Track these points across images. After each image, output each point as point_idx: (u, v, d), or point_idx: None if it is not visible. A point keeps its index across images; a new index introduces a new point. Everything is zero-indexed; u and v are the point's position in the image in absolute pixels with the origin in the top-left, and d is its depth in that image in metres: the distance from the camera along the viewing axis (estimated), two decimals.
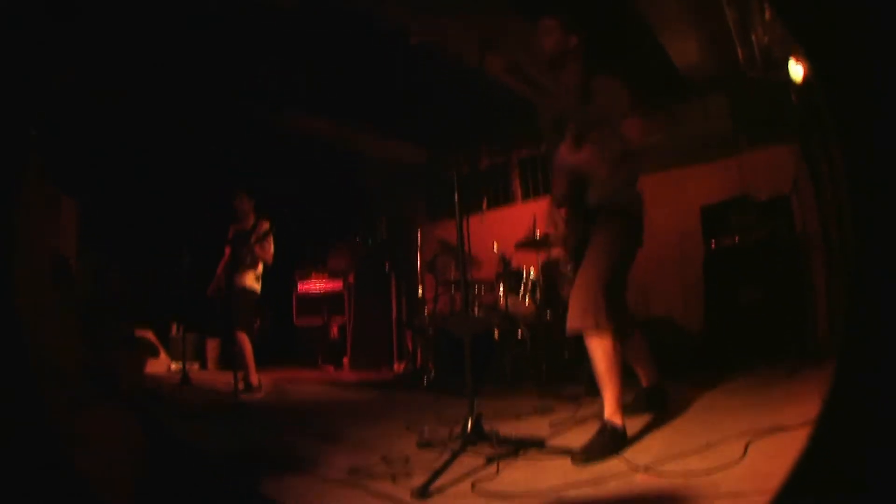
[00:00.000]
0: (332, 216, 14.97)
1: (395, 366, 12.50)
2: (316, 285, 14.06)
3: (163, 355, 12.02)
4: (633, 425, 4.80)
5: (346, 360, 13.51)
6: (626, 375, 4.61)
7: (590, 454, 4.15)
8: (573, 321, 4.58)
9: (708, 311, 8.44)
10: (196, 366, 12.83)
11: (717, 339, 8.13)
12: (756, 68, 8.48)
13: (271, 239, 9.34)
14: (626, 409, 4.61)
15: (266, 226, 9.36)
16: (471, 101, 6.49)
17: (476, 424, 4.37)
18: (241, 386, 8.65)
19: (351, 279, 13.94)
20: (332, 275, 14.07)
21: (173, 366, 11.89)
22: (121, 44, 8.09)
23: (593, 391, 5.14)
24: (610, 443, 4.29)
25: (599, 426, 4.42)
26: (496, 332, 8.32)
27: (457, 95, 7.09)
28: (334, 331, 13.80)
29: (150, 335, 11.90)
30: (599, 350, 4.51)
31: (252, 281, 9.26)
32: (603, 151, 4.85)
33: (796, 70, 6.90)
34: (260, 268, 9.36)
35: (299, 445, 5.19)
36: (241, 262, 9.22)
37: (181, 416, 7.03)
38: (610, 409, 4.44)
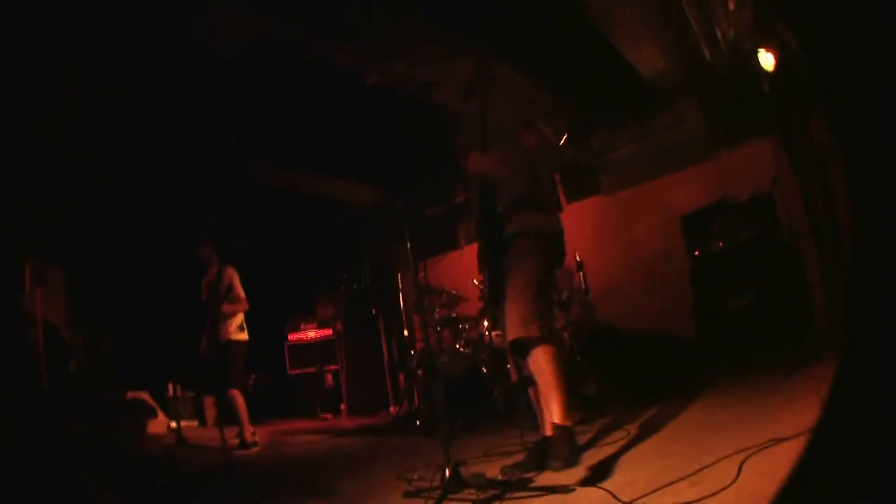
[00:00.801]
0: (316, 266, 15.00)
1: (392, 409, 12.34)
2: (306, 335, 13.95)
3: (161, 416, 11.81)
4: (625, 455, 4.74)
5: (343, 407, 13.50)
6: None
7: (569, 459, 4.35)
8: (514, 331, 4.72)
9: (699, 320, 8.38)
10: (195, 423, 12.72)
11: (709, 347, 8.05)
12: (724, 65, 8.45)
13: (237, 284, 9.17)
14: (518, 466, 4.71)
15: (228, 274, 9.23)
16: (436, 137, 6.51)
17: (454, 472, 4.24)
18: (234, 442, 8.61)
19: (339, 326, 13.92)
20: (322, 323, 13.98)
21: (172, 425, 11.53)
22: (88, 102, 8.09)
23: (590, 417, 5.15)
24: (575, 445, 4.59)
25: (558, 433, 4.53)
26: (483, 368, 8.24)
27: (422, 133, 7.11)
28: (329, 379, 13.76)
29: (145, 396, 11.71)
30: (544, 357, 4.63)
31: (236, 332, 9.04)
32: (504, 155, 5.04)
33: (766, 59, 6.82)
34: (240, 316, 9.13)
35: (288, 503, 5.11)
36: (218, 316, 9.02)
37: (173, 479, 6.83)
38: (559, 414, 4.56)
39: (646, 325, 9.31)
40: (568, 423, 4.55)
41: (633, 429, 5.64)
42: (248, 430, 8.79)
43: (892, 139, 1.79)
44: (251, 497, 5.75)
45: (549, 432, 4.70)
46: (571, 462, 4.29)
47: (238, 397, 8.81)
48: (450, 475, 4.24)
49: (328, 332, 13.88)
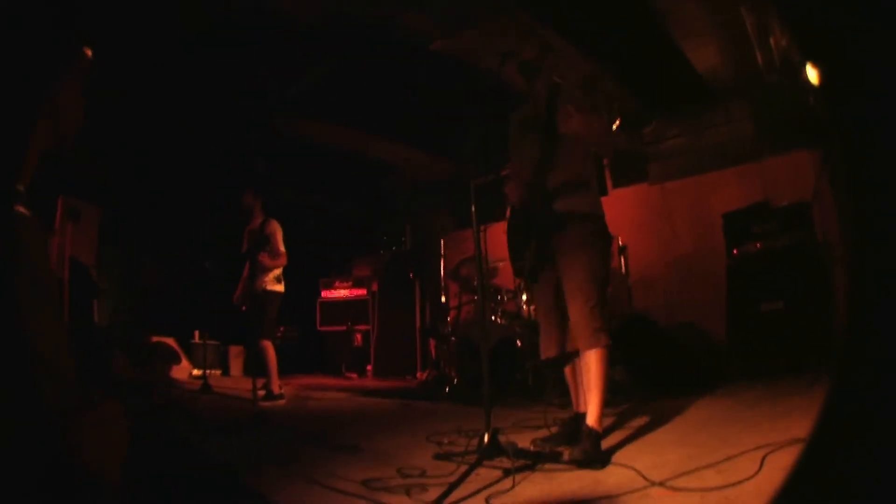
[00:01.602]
0: (357, 225, 15.07)
1: (419, 374, 12.42)
2: (340, 293, 14.17)
3: (185, 362, 11.97)
4: (651, 438, 4.91)
5: (369, 368, 13.64)
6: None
7: (587, 459, 4.29)
8: (587, 341, 4.73)
9: (731, 319, 8.33)
10: (219, 372, 12.89)
11: (739, 347, 8.04)
12: (775, 72, 8.47)
13: (279, 239, 9.16)
14: (549, 439, 4.92)
15: (272, 226, 9.25)
16: (493, 109, 6.51)
17: (492, 438, 4.33)
18: (261, 393, 8.58)
19: (375, 287, 14.07)
20: (357, 283, 14.21)
21: (195, 372, 11.80)
22: (149, 50, 8.20)
23: (615, 401, 5.16)
24: (599, 448, 4.49)
25: (587, 432, 4.53)
26: (518, 342, 8.27)
27: (480, 104, 7.12)
28: (358, 339, 13.94)
29: (171, 342, 11.87)
30: (599, 363, 4.68)
31: (272, 282, 9.12)
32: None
33: (813, 73, 6.73)
34: (280, 268, 9.20)
35: (315, 456, 5.15)
36: (256, 266, 9.09)
37: (197, 424, 7.01)
38: (594, 418, 4.58)
39: (678, 317, 9.31)
40: (599, 429, 4.58)
41: (658, 416, 5.72)
42: (276, 382, 8.86)
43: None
44: (278, 448, 5.78)
45: (584, 420, 4.73)
46: (588, 462, 4.29)
47: (269, 348, 8.86)
48: (488, 440, 4.31)
49: (362, 291, 14.10)
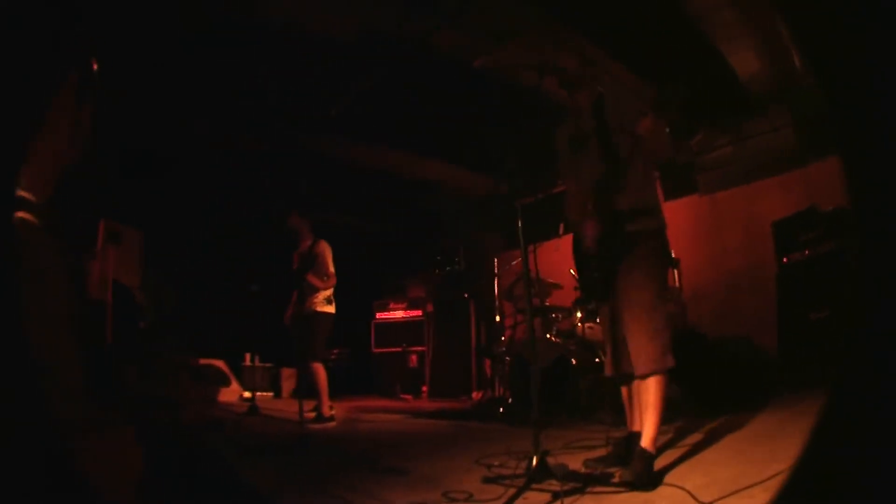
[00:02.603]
0: (411, 246, 15.06)
1: (474, 394, 12.40)
2: (394, 314, 14.19)
3: (234, 384, 12.06)
4: (702, 457, 4.88)
5: (424, 389, 13.62)
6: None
7: (639, 481, 4.22)
8: (655, 363, 4.64)
9: (781, 330, 8.18)
10: (270, 395, 12.99)
11: (790, 358, 7.87)
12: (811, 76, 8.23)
13: (328, 260, 9.18)
14: (601, 460, 4.85)
15: (321, 247, 9.26)
16: (537, 126, 6.42)
17: (541, 461, 4.30)
18: (310, 416, 8.69)
19: (430, 308, 14.09)
20: (411, 304, 14.22)
21: (245, 394, 11.83)
22: (189, 73, 8.34)
23: (667, 418, 5.06)
24: (651, 469, 4.42)
25: (640, 454, 4.48)
26: (573, 360, 8.15)
27: (525, 122, 7.06)
28: (413, 360, 13.90)
29: (221, 364, 12.01)
30: (659, 386, 4.64)
31: (323, 304, 9.12)
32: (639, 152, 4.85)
33: None
34: (330, 290, 9.20)
35: (361, 479, 5.07)
36: (306, 287, 9.12)
37: (240, 447, 6.97)
38: (649, 440, 4.55)
39: (729, 330, 9.03)
40: (653, 451, 4.53)
41: (709, 432, 5.69)
42: (326, 403, 8.81)
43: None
44: (320, 471, 5.73)
45: (638, 441, 4.66)
46: (640, 484, 4.21)
47: (320, 370, 8.84)
48: (537, 464, 4.29)
49: (417, 312, 14.12)
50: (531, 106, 6.87)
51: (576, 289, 7.25)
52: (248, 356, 12.94)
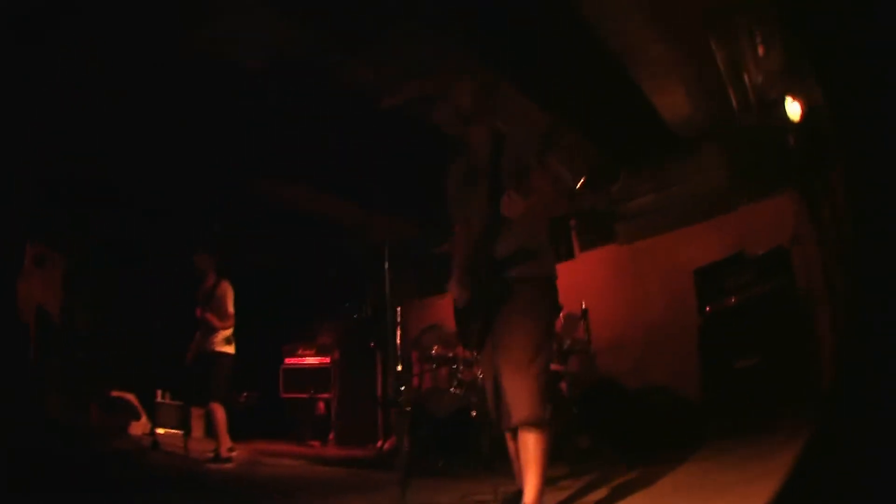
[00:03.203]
0: (321, 291, 14.68)
1: (380, 443, 11.83)
2: (303, 360, 13.70)
3: (144, 419, 11.55)
4: None
5: (331, 437, 13.17)
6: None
7: None
8: (523, 412, 4.17)
9: (704, 379, 7.85)
10: (181, 433, 12.25)
11: (714, 408, 7.54)
12: (751, 113, 7.98)
13: (228, 300, 8.85)
14: None
15: (223, 288, 8.93)
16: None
17: None
18: (210, 455, 8.34)
19: (336, 355, 13.63)
20: (320, 350, 13.72)
21: (159, 431, 11.00)
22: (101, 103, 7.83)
23: (576, 472, 4.73)
24: None
25: None
26: (473, 412, 7.78)
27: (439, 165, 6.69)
28: (321, 406, 13.43)
29: (131, 398, 11.53)
30: (537, 442, 4.17)
31: (221, 343, 8.72)
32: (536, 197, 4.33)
33: (793, 108, 6.55)
34: (229, 330, 8.82)
35: None
36: (205, 327, 8.76)
37: (136, 481, 6.59)
38: (534, 497, 4.11)
39: (649, 381, 8.58)
40: None
41: (624, 485, 5.29)
42: (225, 444, 8.41)
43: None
44: None
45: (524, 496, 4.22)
46: None
47: (218, 410, 8.47)
48: None
49: (326, 359, 13.61)
50: (443, 150, 6.50)
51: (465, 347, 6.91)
52: (159, 392, 12.26)
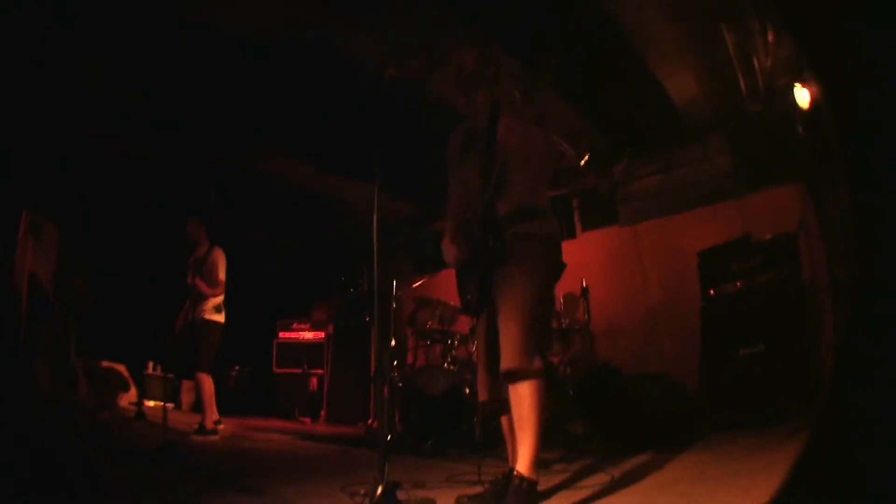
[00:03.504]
0: (317, 266, 14.38)
1: (370, 421, 11.49)
2: (297, 335, 13.40)
3: (133, 391, 11.20)
4: (608, 501, 4.06)
5: (323, 413, 12.88)
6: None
7: None
8: (513, 359, 3.88)
9: (704, 366, 7.36)
10: (171, 406, 11.94)
11: (713, 397, 7.11)
12: (758, 100, 7.59)
13: (220, 267, 8.61)
14: (476, 499, 4.06)
15: (215, 254, 8.69)
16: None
17: (387, 493, 3.62)
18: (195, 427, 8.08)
19: (331, 330, 13.35)
20: (315, 326, 13.45)
21: (149, 403, 11.15)
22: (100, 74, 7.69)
23: (570, 458, 5.03)
24: (526, 502, 3.78)
25: (517, 484, 3.80)
26: (466, 389, 7.42)
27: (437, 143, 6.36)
28: (313, 382, 13.14)
29: (121, 369, 11.12)
30: (530, 393, 3.87)
31: (211, 311, 8.49)
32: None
33: (802, 96, 6.16)
34: (220, 297, 8.59)
35: (213, 496, 4.48)
36: (195, 294, 8.51)
37: (116, 451, 6.38)
38: (527, 462, 3.83)
39: (648, 366, 8.40)
40: (533, 478, 3.79)
41: (617, 474, 4.91)
42: (210, 416, 8.17)
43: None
44: (177, 482, 5.19)
45: (518, 463, 3.88)
46: None
47: (205, 380, 8.30)
48: (381, 495, 3.60)
49: (320, 335, 13.35)
50: (443, 128, 6.15)
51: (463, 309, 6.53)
52: (150, 364, 12.14)
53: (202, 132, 9.22)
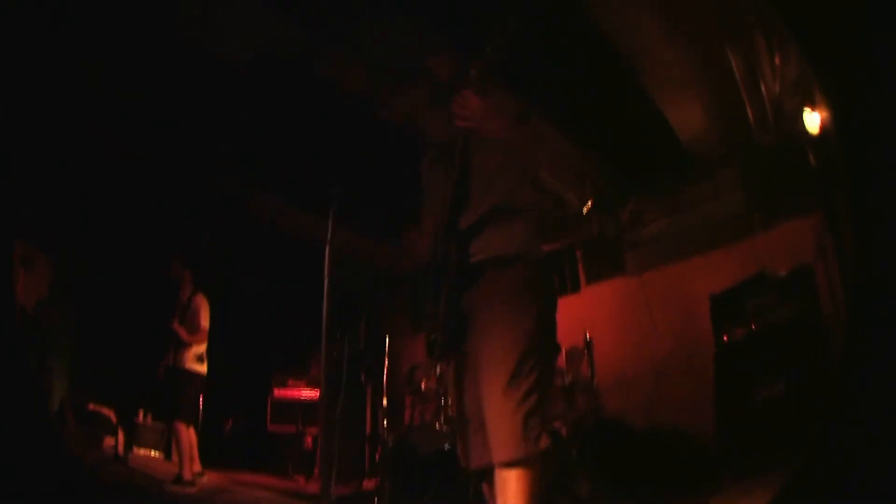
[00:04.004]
0: (313, 321, 13.98)
1: (366, 481, 10.94)
2: (292, 391, 12.96)
3: (121, 436, 10.45)
4: None
5: (316, 471, 11.98)
6: None
7: None
8: (518, 447, 2.90)
9: (720, 414, 6.76)
10: (159, 455, 11.59)
11: (730, 445, 6.44)
12: (767, 129, 7.20)
13: (202, 314, 8.22)
14: None
15: (198, 300, 8.32)
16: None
17: None
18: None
19: None
20: (311, 382, 12.96)
21: (140, 452, 10.89)
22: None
23: None
24: None
25: None
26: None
27: None
28: (308, 441, 12.58)
29: (108, 413, 10.75)
30: (528, 482, 2.91)
31: (192, 361, 8.09)
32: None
33: (812, 120, 6.08)
34: (202, 346, 8.20)
35: None
36: (175, 340, 8.12)
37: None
38: None
39: (658, 419, 7.85)
40: None
41: None
42: (189, 467, 7.71)
43: None
44: None
45: None
46: None
47: (182, 430, 7.94)
48: None
49: (316, 392, 12.74)
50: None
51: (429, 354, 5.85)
52: (141, 412, 11.61)
53: (203, 171, 8.92)
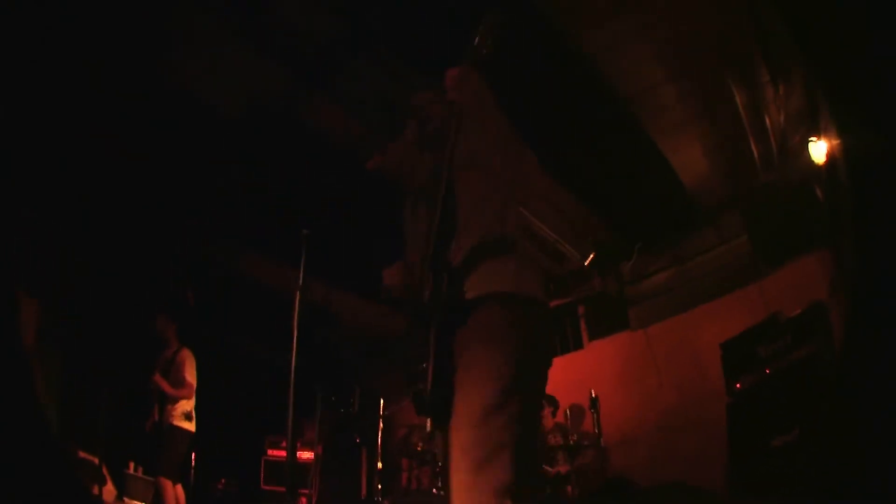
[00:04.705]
0: (310, 383, 13.62)
1: None
2: (285, 453, 12.35)
3: (111, 487, 10.15)
4: None
5: None
6: None
7: None
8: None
9: (733, 465, 6.42)
10: None
11: (745, 496, 6.08)
12: (772, 166, 6.99)
13: (186, 368, 8.05)
14: None
15: (182, 355, 8.17)
16: None
17: None
18: None
19: (320, 451, 12.32)
20: (305, 444, 12.55)
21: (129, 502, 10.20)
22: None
23: None
24: None
25: None
26: None
27: None
28: (302, 502, 12.06)
29: (97, 462, 9.91)
30: None
31: (180, 418, 7.98)
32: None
33: (818, 150, 5.87)
34: (190, 403, 8.07)
35: None
36: (161, 396, 8.04)
37: None
38: None
39: (667, 475, 7.34)
40: None
41: None
42: None
43: None
44: None
45: None
46: None
47: (168, 487, 7.86)
48: None
49: (309, 454, 12.41)
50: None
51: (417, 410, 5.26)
52: (132, 464, 10.92)
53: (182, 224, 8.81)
